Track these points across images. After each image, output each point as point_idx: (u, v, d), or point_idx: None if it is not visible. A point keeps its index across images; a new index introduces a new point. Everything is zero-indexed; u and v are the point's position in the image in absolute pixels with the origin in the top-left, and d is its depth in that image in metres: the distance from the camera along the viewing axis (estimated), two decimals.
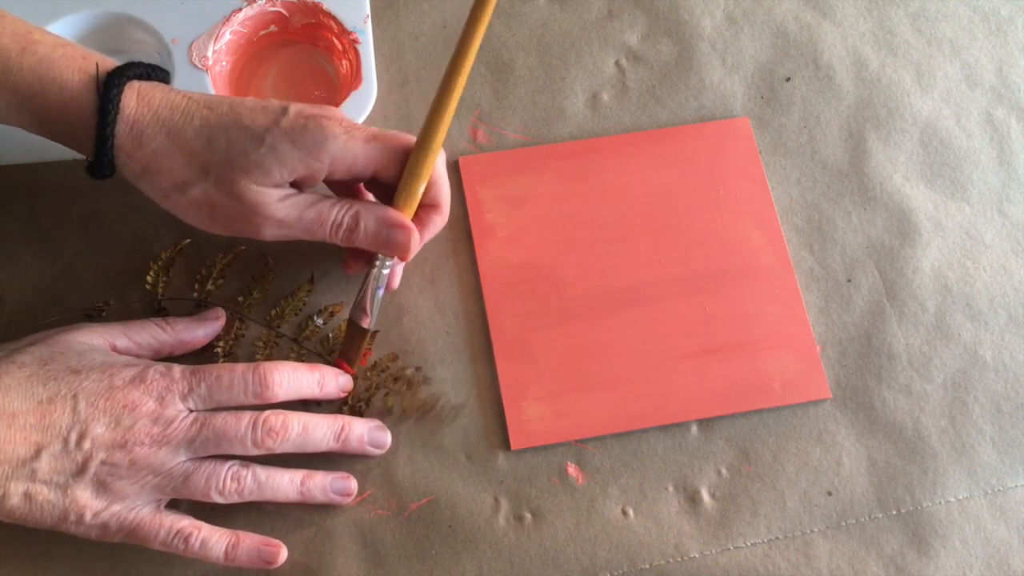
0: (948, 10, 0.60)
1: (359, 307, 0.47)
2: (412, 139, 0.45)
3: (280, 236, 0.44)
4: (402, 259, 0.47)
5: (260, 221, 0.43)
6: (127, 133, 0.42)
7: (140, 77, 0.43)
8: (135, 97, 0.42)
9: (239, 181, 0.42)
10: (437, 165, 0.45)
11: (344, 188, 0.48)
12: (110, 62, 0.43)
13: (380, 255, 0.46)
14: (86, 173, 0.43)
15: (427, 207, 0.47)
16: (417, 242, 0.46)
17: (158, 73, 0.44)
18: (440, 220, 0.48)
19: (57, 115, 0.42)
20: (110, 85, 0.41)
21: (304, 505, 0.46)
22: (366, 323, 0.47)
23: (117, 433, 0.41)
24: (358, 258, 0.49)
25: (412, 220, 0.46)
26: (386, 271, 0.47)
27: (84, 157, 0.52)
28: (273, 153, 0.41)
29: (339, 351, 0.48)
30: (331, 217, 0.44)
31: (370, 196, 0.49)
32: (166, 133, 0.42)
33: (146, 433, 0.41)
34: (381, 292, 0.47)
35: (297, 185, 0.44)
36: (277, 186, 0.42)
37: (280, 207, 0.43)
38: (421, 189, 0.45)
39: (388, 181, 0.45)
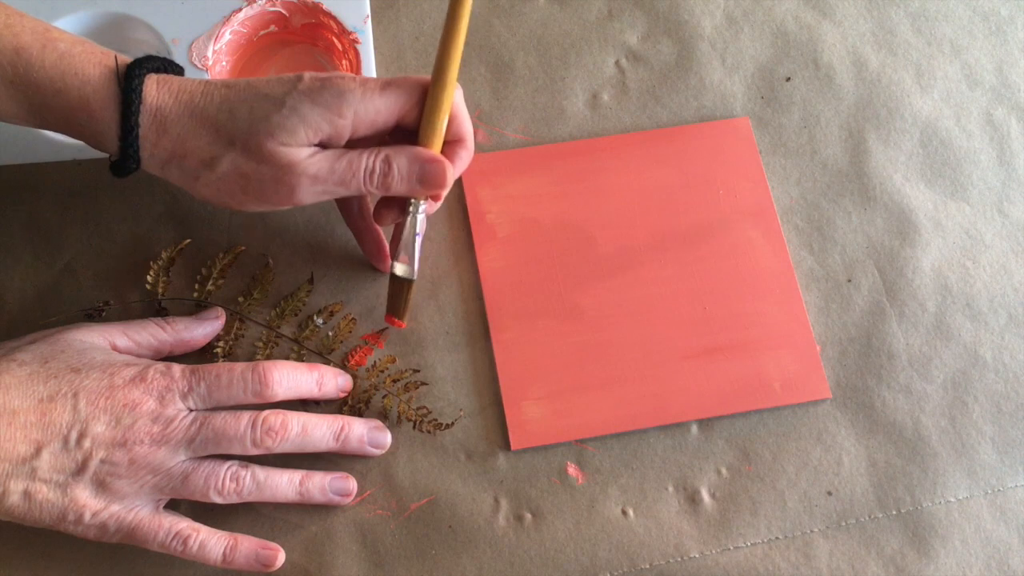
0: (948, 10, 0.60)
1: (400, 258, 0.47)
2: (426, 77, 0.44)
3: (315, 196, 0.43)
4: (437, 197, 0.47)
5: (294, 181, 0.42)
6: (151, 122, 0.42)
7: (156, 70, 0.43)
8: (155, 86, 0.42)
9: (266, 145, 0.41)
10: (456, 99, 0.45)
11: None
12: (128, 57, 0.43)
13: (413, 201, 0.46)
14: (110, 172, 0.43)
15: (451, 143, 0.46)
16: (452, 175, 0.45)
17: (173, 67, 0.44)
18: (466, 155, 0.47)
19: (80, 110, 0.42)
20: (131, 76, 0.41)
21: (304, 505, 0.46)
22: (408, 273, 0.47)
23: (117, 432, 0.41)
24: (390, 207, 0.48)
25: None
26: (421, 215, 0.46)
27: (86, 157, 0.52)
28: (295, 113, 0.41)
29: (386, 307, 0.48)
30: (363, 164, 0.43)
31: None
32: (189, 115, 0.42)
33: (146, 432, 0.41)
34: (420, 239, 0.46)
35: (323, 146, 0.43)
36: (304, 146, 0.42)
37: (311, 163, 0.42)
38: (444, 123, 0.45)
39: (410, 125, 0.44)
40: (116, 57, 0.42)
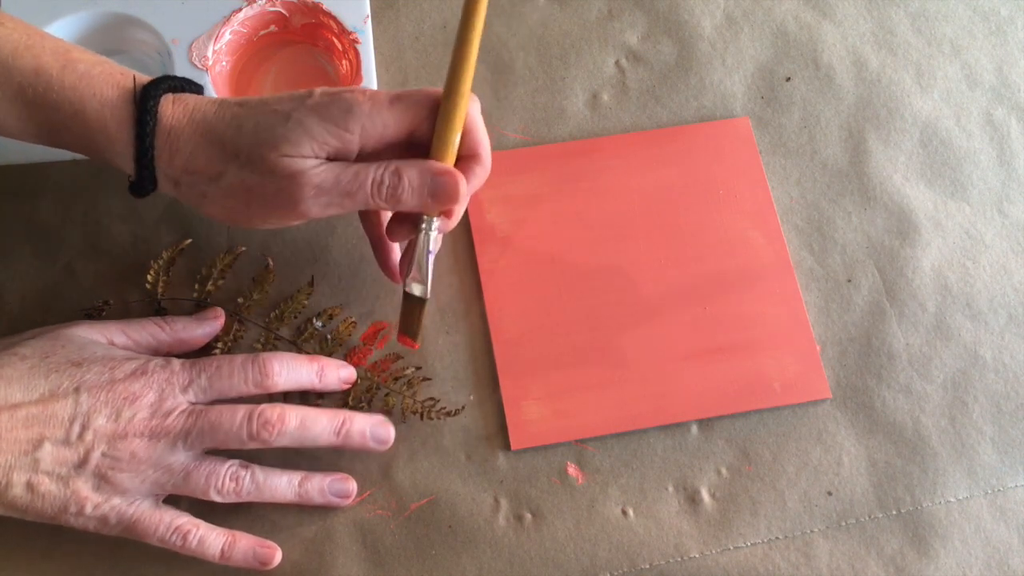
0: (948, 10, 0.60)
1: (412, 277, 0.45)
2: (438, 90, 0.43)
3: (321, 208, 0.42)
4: (450, 214, 0.45)
5: (297, 192, 0.41)
6: (164, 142, 0.42)
7: (174, 89, 0.43)
8: (171, 106, 0.42)
9: (269, 156, 0.41)
10: (470, 111, 0.43)
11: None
12: (146, 77, 0.43)
13: (425, 217, 0.44)
14: (129, 193, 0.43)
15: (466, 158, 0.44)
16: (466, 189, 0.43)
17: (191, 86, 0.44)
18: (482, 171, 0.45)
19: (97, 131, 0.42)
20: (147, 97, 0.42)
21: (303, 507, 0.46)
22: (422, 291, 0.45)
23: (118, 425, 0.41)
24: (403, 223, 0.46)
25: None
26: (433, 233, 0.44)
27: (86, 157, 0.52)
28: (300, 127, 0.41)
29: (399, 327, 0.46)
30: (370, 176, 0.42)
31: None
32: (200, 133, 0.42)
33: (145, 425, 0.41)
34: (432, 257, 0.45)
35: (332, 160, 0.42)
36: (309, 158, 0.41)
37: (315, 173, 0.41)
38: (457, 138, 0.43)
39: (423, 139, 0.43)
40: (135, 77, 0.42)
